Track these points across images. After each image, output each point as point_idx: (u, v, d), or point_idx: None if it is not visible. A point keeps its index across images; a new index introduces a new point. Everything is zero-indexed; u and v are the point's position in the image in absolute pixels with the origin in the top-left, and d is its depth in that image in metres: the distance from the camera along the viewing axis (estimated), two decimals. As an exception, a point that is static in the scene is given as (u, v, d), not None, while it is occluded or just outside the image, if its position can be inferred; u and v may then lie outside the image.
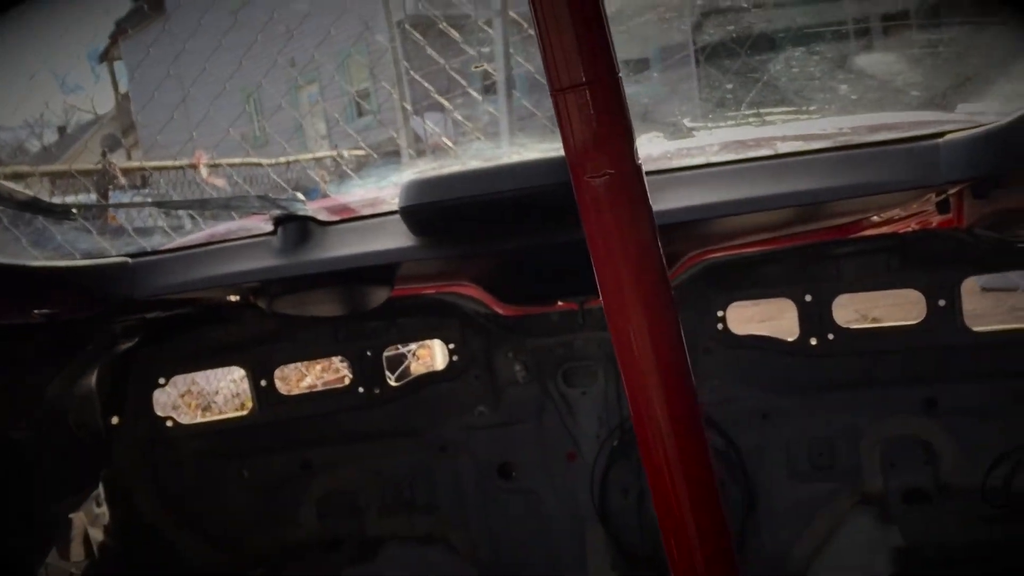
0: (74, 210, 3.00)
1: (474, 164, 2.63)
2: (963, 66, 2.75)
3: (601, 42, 1.12)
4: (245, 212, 2.70)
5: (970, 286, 2.42)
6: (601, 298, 1.23)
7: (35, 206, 2.74)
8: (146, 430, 2.62)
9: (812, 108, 3.08)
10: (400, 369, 4.29)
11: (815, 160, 2.18)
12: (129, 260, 2.27)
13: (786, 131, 2.80)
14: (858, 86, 3.12)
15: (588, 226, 1.20)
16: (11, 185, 2.54)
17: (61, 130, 8.67)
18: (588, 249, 1.22)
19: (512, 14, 3.95)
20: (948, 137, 2.06)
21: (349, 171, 4.82)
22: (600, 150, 1.14)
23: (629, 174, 1.16)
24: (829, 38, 3.16)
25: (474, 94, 4.31)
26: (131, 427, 2.58)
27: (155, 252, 2.34)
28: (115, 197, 5.16)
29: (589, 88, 1.12)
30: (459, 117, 4.22)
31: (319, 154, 5.85)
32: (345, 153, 5.44)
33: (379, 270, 2.35)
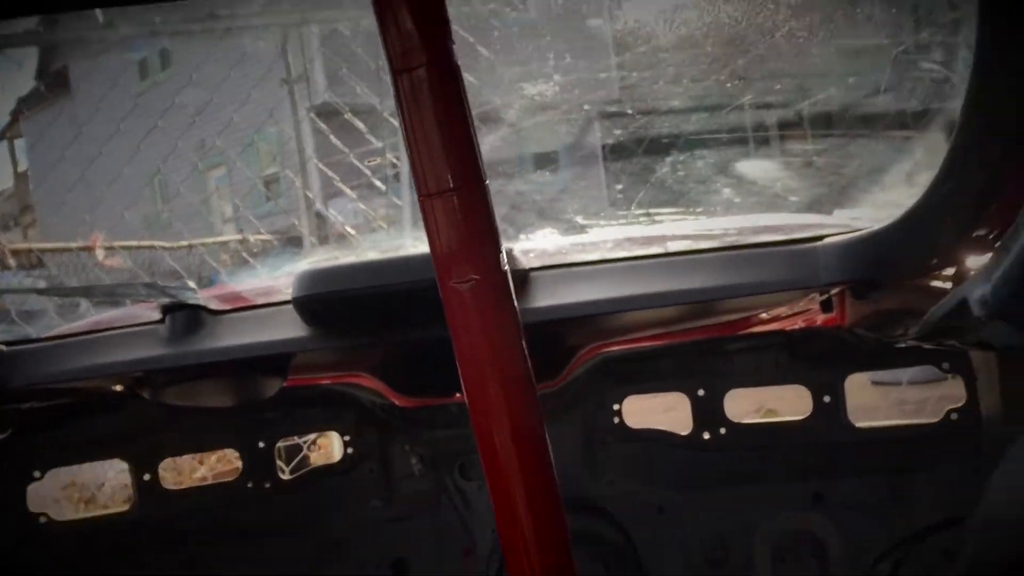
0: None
1: (371, 255, 2.64)
2: (838, 175, 2.93)
3: (468, 149, 1.15)
4: (133, 299, 2.63)
5: (860, 379, 2.50)
6: (466, 398, 1.23)
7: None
8: (16, 528, 2.47)
9: (699, 210, 3.22)
10: (296, 460, 4.18)
11: (703, 259, 2.27)
12: (3, 348, 2.18)
13: (676, 230, 2.91)
14: (740, 190, 3.29)
15: (453, 329, 1.21)
16: None
17: (-48, 206, 8.37)
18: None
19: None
20: (826, 241, 2.17)
21: (250, 258, 4.77)
22: (466, 256, 1.16)
23: (494, 279, 1.18)
24: (713, 144, 3.34)
25: (378, 184, 4.35)
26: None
27: (33, 340, 2.25)
28: (3, 278, 4.98)
29: (456, 194, 1.14)
30: (362, 206, 4.25)
31: (221, 238, 5.79)
32: (250, 238, 5.40)
33: (272, 359, 2.31)
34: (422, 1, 1.10)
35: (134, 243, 5.07)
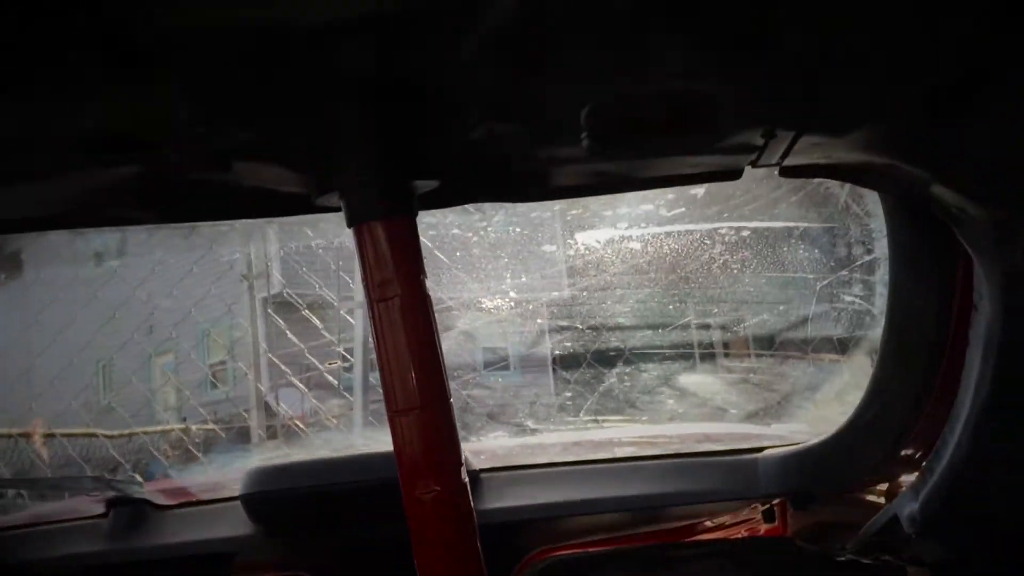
0: None
1: (322, 453, 2.67)
2: (773, 391, 3.10)
3: (435, 371, 1.25)
4: (77, 492, 2.60)
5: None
6: None
7: None
8: None
9: (644, 418, 3.36)
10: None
11: (648, 466, 2.35)
12: (-67, 541, 2.14)
13: (622, 434, 3.01)
14: (683, 401, 3.45)
15: (414, 534, 1.26)
16: None
17: None
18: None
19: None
20: (766, 453, 2.28)
21: (195, 450, 4.72)
22: (429, 468, 1.24)
23: (455, 491, 1.25)
24: (658, 358, 3.52)
25: (331, 379, 4.41)
26: None
27: (-33, 533, 2.20)
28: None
29: (423, 412, 1.23)
30: (314, 401, 4.28)
31: (165, 427, 5.72)
32: (193, 427, 5.34)
33: (217, 557, 2.29)
34: (400, 239, 1.24)
35: (75, 430, 4.99)
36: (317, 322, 4.47)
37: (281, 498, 2.25)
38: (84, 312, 5.20)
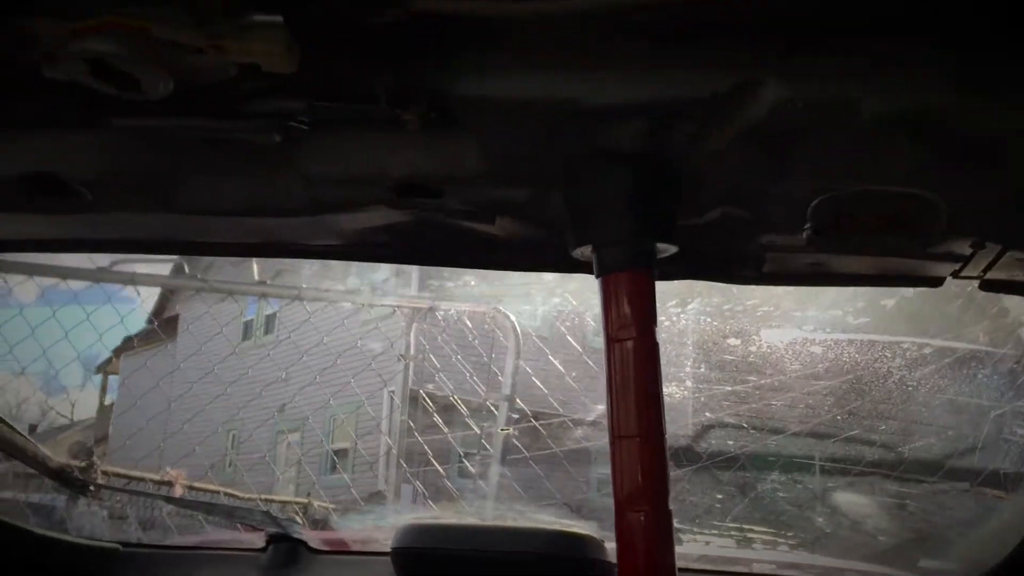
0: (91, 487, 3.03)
1: (471, 520, 2.75)
2: (928, 522, 3.02)
3: (656, 405, 1.36)
4: (245, 521, 2.74)
5: None
6: None
7: (62, 476, 2.79)
8: None
9: (789, 534, 3.30)
10: None
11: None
12: (120, 547, 2.30)
13: (761, 556, 2.97)
14: (831, 521, 3.38)
15: (621, 552, 1.34)
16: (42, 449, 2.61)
17: (32, 428, 8.66)
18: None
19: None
20: None
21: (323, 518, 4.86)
22: (643, 491, 1.33)
23: (662, 514, 1.34)
24: (814, 470, 3.48)
25: (470, 467, 4.51)
26: None
27: (148, 545, 2.36)
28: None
29: (642, 440, 1.34)
30: (448, 484, 4.37)
31: (290, 498, 5.90)
32: (315, 503, 5.52)
33: (357, 606, 2.36)
34: (639, 290, 1.37)
35: (210, 487, 5.23)
36: (463, 409, 4.61)
37: (431, 556, 2.31)
38: (234, 386, 5.56)
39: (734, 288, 2.38)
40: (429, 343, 5.28)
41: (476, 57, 1.14)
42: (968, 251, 1.44)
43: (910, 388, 2.66)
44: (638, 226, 1.35)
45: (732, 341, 2.84)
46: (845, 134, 1.21)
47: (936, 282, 1.58)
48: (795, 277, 1.63)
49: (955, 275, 1.55)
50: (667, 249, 1.40)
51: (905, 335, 2.53)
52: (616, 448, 1.35)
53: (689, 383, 3.16)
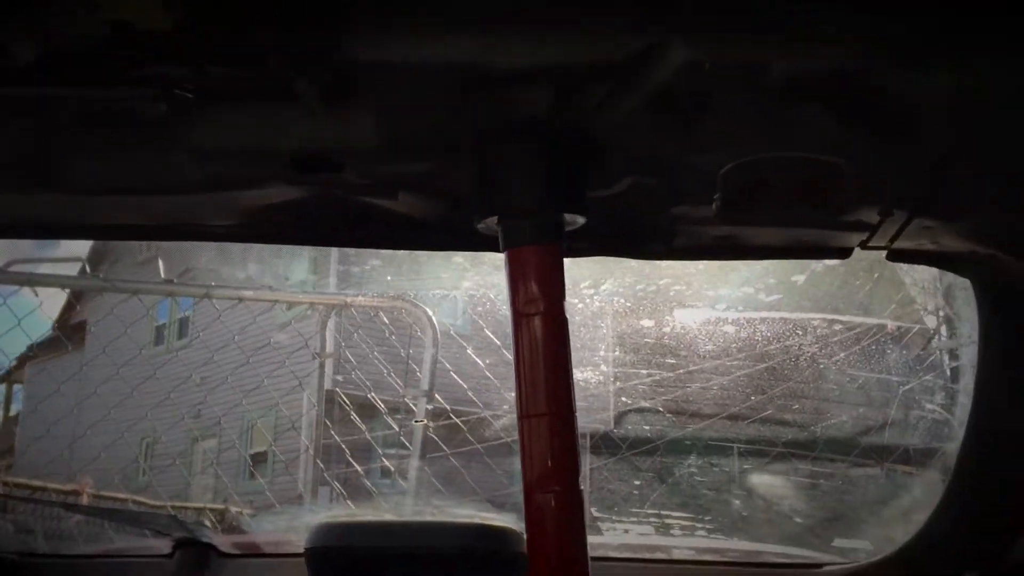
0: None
1: (388, 516, 2.68)
2: (840, 502, 3.07)
3: (565, 382, 1.33)
4: (151, 528, 2.63)
5: None
6: None
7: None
8: None
9: (707, 518, 3.33)
10: None
11: (708, 571, 2.32)
12: (16, 558, 2.17)
13: (681, 543, 2.99)
14: (748, 505, 3.42)
15: (530, 533, 1.31)
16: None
17: (-72, 441, 8.26)
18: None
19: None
20: (826, 569, 2.25)
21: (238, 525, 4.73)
22: (552, 470, 1.30)
23: (573, 494, 1.31)
24: (731, 453, 3.51)
25: (388, 464, 4.43)
26: None
27: (48, 555, 2.23)
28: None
29: (550, 418, 1.30)
30: (368, 484, 4.29)
31: (203, 504, 5.73)
32: (232, 509, 5.38)
33: (272, 610, 2.28)
34: (547, 264, 1.33)
35: (119, 495, 5.05)
36: (381, 406, 4.53)
37: (346, 554, 2.25)
38: (140, 390, 5.39)
39: (646, 267, 2.37)
40: (345, 340, 5.18)
41: (374, 18, 1.08)
42: (876, 219, 1.44)
43: (821, 366, 2.70)
44: (545, 196, 1.31)
45: (646, 323, 2.84)
46: (755, 99, 1.20)
47: (844, 253, 1.58)
48: (706, 251, 1.61)
49: (863, 245, 1.55)
50: (575, 221, 1.36)
51: (815, 311, 2.56)
52: (524, 427, 1.32)
53: (604, 367, 3.16)
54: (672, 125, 1.26)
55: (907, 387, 2.56)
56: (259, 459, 8.49)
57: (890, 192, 1.40)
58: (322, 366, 4.74)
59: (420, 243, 1.74)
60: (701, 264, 1.88)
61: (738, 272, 2.18)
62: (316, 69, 1.11)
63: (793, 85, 1.16)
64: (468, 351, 4.82)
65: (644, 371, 3.04)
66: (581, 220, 1.36)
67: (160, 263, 4.81)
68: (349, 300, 4.50)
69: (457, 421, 4.73)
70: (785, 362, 2.72)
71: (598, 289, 2.73)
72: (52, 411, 5.88)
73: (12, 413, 10.63)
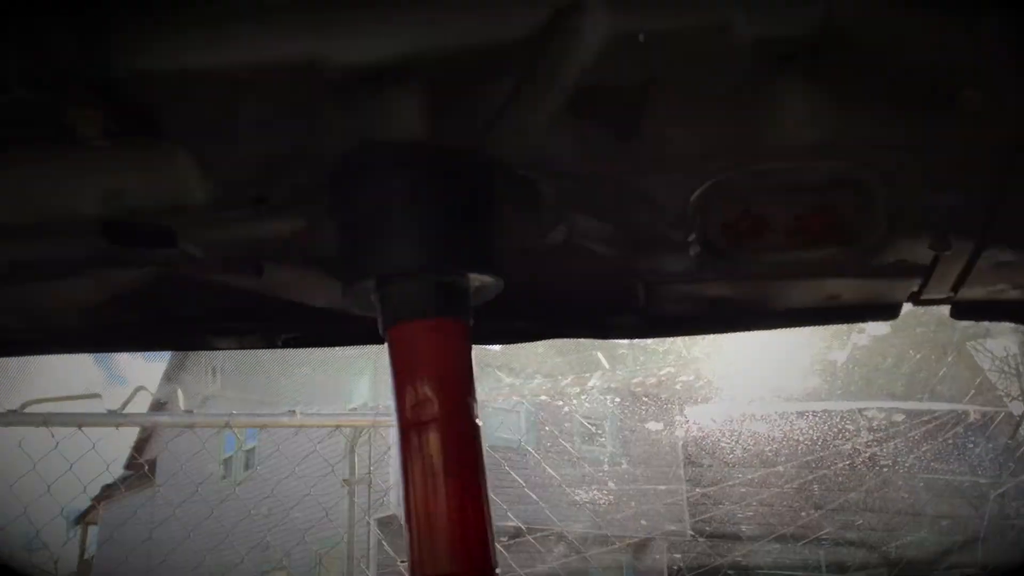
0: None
1: None
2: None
3: (479, 527, 0.93)
4: None
5: None
6: None
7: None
8: None
9: None
10: None
11: None
12: None
13: None
14: None
15: None
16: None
17: (14, 589, 8.17)
18: None
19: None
20: None
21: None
22: None
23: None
24: None
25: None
26: None
27: None
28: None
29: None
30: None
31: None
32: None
33: None
34: (445, 347, 0.95)
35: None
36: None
37: None
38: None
39: (640, 355, 1.97)
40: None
41: (165, 9, 0.76)
42: (928, 258, 1.03)
43: (884, 468, 2.22)
44: (437, 251, 0.93)
45: (652, 426, 2.40)
46: (721, 81, 0.83)
47: (892, 311, 1.16)
48: (694, 321, 1.18)
49: (916, 299, 1.13)
50: (484, 284, 0.98)
51: (868, 399, 2.10)
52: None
53: (612, 484, 2.70)
54: (610, 136, 0.89)
55: (999, 490, 2.07)
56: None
57: (944, 214, 0.99)
58: (352, 493, 4.47)
59: (307, 337, 1.33)
60: (705, 341, 1.47)
61: (755, 352, 1.77)
62: (80, 92, 0.78)
63: (763, 53, 0.79)
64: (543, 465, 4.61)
65: (662, 487, 2.57)
66: (495, 284, 0.99)
67: (179, 393, 4.80)
68: (376, 421, 4.29)
69: (531, 539, 4.56)
70: (838, 468, 2.25)
71: (585, 387, 2.28)
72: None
73: (87, 556, 10.58)
